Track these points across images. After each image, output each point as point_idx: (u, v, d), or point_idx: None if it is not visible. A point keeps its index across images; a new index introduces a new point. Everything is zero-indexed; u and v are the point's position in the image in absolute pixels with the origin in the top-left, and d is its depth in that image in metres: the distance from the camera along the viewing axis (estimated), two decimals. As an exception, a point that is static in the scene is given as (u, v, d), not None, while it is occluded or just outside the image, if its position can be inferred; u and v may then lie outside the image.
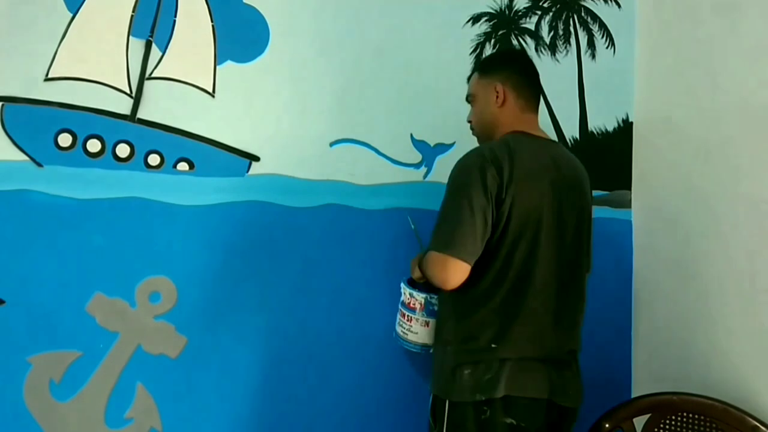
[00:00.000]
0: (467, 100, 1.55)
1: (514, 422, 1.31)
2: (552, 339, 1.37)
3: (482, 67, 1.55)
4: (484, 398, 1.31)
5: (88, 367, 1.62)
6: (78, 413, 1.61)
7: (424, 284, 1.55)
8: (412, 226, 1.70)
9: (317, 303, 1.77)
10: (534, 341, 1.35)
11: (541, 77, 1.94)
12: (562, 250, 1.39)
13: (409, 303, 1.58)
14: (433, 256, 1.35)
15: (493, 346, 1.33)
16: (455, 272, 1.32)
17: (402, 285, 1.61)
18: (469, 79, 1.57)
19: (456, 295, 1.38)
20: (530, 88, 1.49)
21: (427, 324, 1.56)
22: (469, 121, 1.56)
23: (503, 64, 1.51)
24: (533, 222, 1.34)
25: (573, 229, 1.42)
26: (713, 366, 1.66)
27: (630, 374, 2.01)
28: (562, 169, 1.42)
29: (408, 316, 1.59)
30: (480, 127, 1.52)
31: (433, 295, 1.54)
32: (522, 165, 1.34)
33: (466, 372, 1.34)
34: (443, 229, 1.34)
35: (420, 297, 1.56)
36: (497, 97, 1.46)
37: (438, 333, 1.49)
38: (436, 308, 1.53)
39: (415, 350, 1.60)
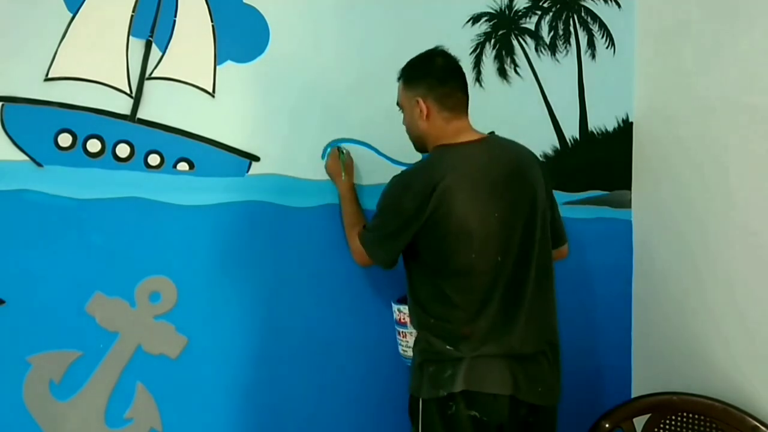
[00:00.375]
0: (398, 105, 1.55)
1: (477, 415, 1.36)
2: (510, 337, 1.39)
3: (405, 76, 1.52)
4: (446, 393, 1.37)
5: (88, 367, 1.62)
6: (78, 413, 1.61)
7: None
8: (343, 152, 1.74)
9: (317, 303, 1.77)
10: (488, 340, 1.39)
11: (541, 77, 1.95)
12: (511, 248, 1.40)
13: (399, 319, 1.63)
14: (358, 246, 1.55)
15: (448, 348, 1.39)
16: (366, 265, 1.57)
17: (392, 304, 1.65)
18: (398, 79, 1.54)
19: (415, 302, 1.48)
20: (453, 95, 1.46)
21: None
22: (405, 125, 1.56)
23: (422, 76, 1.47)
24: (465, 233, 1.38)
25: (522, 222, 1.42)
26: (713, 366, 1.67)
27: (630, 374, 2.01)
28: (497, 165, 1.42)
29: (402, 332, 1.63)
30: (411, 137, 1.55)
31: None
32: (446, 183, 1.37)
33: (430, 369, 1.41)
34: (370, 231, 1.53)
35: (406, 310, 1.58)
36: (421, 111, 1.45)
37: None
38: None
39: None
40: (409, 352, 1.61)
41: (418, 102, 1.46)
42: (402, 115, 1.55)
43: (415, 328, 1.50)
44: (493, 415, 1.37)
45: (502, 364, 1.38)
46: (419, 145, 1.54)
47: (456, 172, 1.39)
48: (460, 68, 1.50)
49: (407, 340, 1.62)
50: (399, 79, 1.53)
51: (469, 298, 1.40)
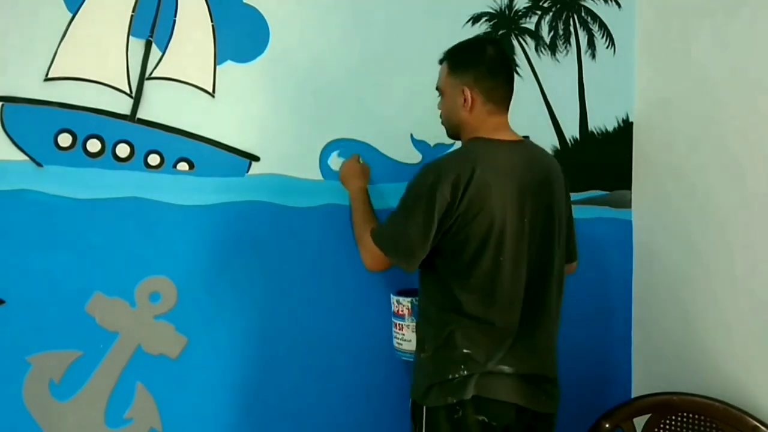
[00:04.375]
0: (437, 89, 1.52)
1: (485, 419, 1.34)
2: (527, 356, 1.38)
3: (452, 61, 1.46)
4: (455, 401, 1.34)
5: (88, 367, 1.62)
6: (78, 413, 1.61)
7: (409, 291, 1.60)
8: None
9: (317, 303, 1.77)
10: (505, 358, 1.36)
11: (541, 77, 1.95)
12: (530, 257, 1.38)
13: (397, 311, 1.62)
14: (371, 246, 1.43)
15: (465, 351, 1.35)
16: (382, 267, 1.45)
17: (391, 296, 1.64)
18: (441, 62, 1.50)
19: (429, 303, 1.44)
20: (500, 89, 1.43)
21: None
22: (439, 109, 1.53)
23: (472, 64, 1.42)
24: (495, 234, 1.34)
25: (541, 231, 1.40)
26: (713, 366, 1.67)
27: (630, 374, 2.01)
28: (528, 172, 1.39)
29: (399, 324, 1.62)
30: (447, 124, 1.52)
31: (417, 299, 1.56)
32: (482, 177, 1.33)
33: (439, 384, 1.37)
34: (390, 230, 1.42)
35: (406, 302, 1.58)
36: (465, 101, 1.41)
37: (417, 336, 1.51)
38: None
39: (411, 359, 1.60)
40: (405, 346, 1.61)
41: (463, 91, 1.41)
42: (439, 99, 1.51)
43: (426, 342, 1.43)
44: (500, 419, 1.35)
45: (515, 380, 1.37)
46: (453, 132, 1.50)
47: (492, 167, 1.35)
48: (509, 60, 1.46)
49: (403, 333, 1.61)
50: (442, 61, 1.48)
51: (491, 307, 1.36)
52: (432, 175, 1.35)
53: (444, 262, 1.39)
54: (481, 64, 1.42)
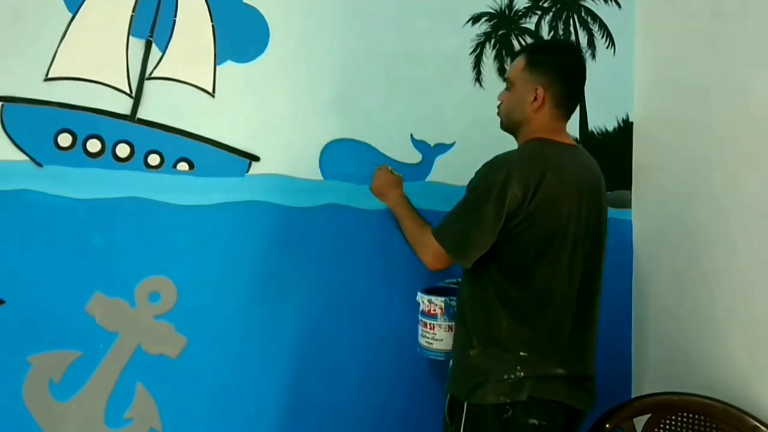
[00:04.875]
0: (504, 79, 1.51)
1: (536, 422, 1.33)
2: (578, 362, 1.40)
3: (532, 57, 1.44)
4: (508, 400, 1.33)
5: (88, 367, 1.62)
6: (78, 413, 1.61)
7: (437, 290, 1.59)
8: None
9: (317, 302, 1.77)
10: (558, 363, 1.36)
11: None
12: (585, 260, 1.39)
13: (429, 310, 1.59)
14: (433, 243, 1.41)
15: (522, 354, 1.34)
16: (443, 265, 1.43)
17: (419, 294, 1.62)
18: (518, 53, 1.49)
19: (478, 301, 1.41)
20: (572, 98, 1.45)
21: (450, 329, 1.56)
22: (499, 101, 1.51)
23: (554, 68, 1.41)
24: (559, 236, 1.34)
25: (593, 235, 1.41)
26: (713, 366, 1.66)
27: (630, 374, 2.01)
28: (585, 178, 1.41)
29: (430, 324, 1.59)
30: (507, 118, 1.49)
31: (452, 297, 1.55)
32: (548, 178, 1.32)
33: (492, 382, 1.35)
34: (452, 225, 1.39)
35: (439, 301, 1.57)
36: (535, 99, 1.40)
37: (457, 334, 1.49)
38: (456, 310, 1.53)
39: (441, 358, 1.60)
40: (436, 345, 1.59)
41: (536, 89, 1.40)
42: (504, 90, 1.50)
43: (476, 339, 1.40)
44: (552, 420, 1.35)
45: (567, 381, 1.37)
46: (510, 126, 1.48)
47: (560, 171, 1.35)
48: (585, 71, 1.46)
49: (434, 333, 1.58)
50: (520, 53, 1.47)
51: (547, 310, 1.35)
52: (503, 173, 1.33)
53: (503, 260, 1.37)
54: (561, 69, 1.41)
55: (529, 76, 1.42)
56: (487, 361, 1.37)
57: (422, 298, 1.62)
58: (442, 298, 1.58)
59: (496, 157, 1.39)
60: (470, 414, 1.36)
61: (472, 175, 1.41)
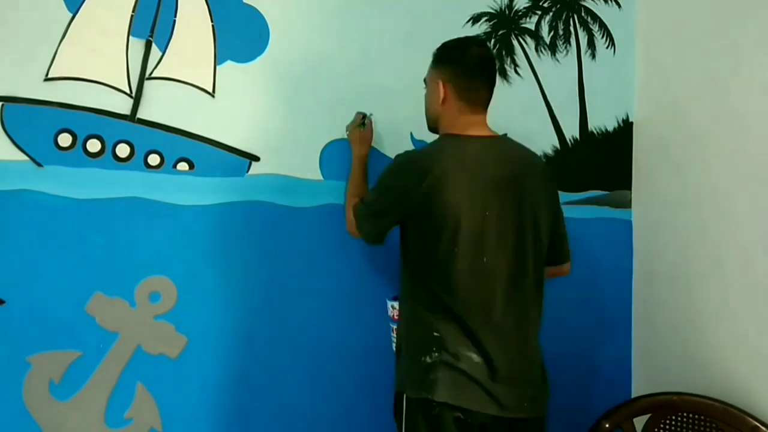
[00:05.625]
0: (424, 81, 1.55)
1: (461, 416, 1.34)
2: (496, 353, 1.35)
3: (436, 55, 1.50)
4: (429, 396, 1.34)
5: (88, 367, 1.62)
6: (78, 413, 1.61)
7: None
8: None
9: (317, 302, 1.77)
10: (470, 338, 1.35)
11: (541, 77, 1.95)
12: (502, 252, 1.37)
13: (393, 316, 1.62)
14: (352, 217, 1.58)
15: (435, 334, 1.36)
16: (354, 234, 1.60)
17: (387, 301, 1.65)
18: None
19: (403, 291, 1.48)
20: (476, 91, 1.44)
21: None
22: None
23: (451, 61, 1.46)
24: (452, 225, 1.34)
25: (514, 229, 1.38)
26: (713, 366, 1.66)
27: (630, 374, 2.01)
28: (495, 167, 1.39)
29: (395, 329, 1.62)
30: (427, 116, 1.55)
31: None
32: (439, 171, 1.35)
33: (415, 371, 1.38)
34: (365, 208, 1.54)
35: (398, 306, 1.57)
36: (438, 94, 1.45)
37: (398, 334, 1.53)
38: None
39: None
40: None
41: (438, 84, 1.45)
42: (425, 91, 1.55)
43: (402, 330, 1.48)
44: (476, 417, 1.34)
45: (486, 385, 1.33)
46: (432, 125, 1.54)
47: (455, 161, 1.38)
48: (492, 62, 1.48)
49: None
50: (433, 56, 1.53)
51: (452, 298, 1.36)
52: (397, 166, 1.48)
53: (411, 249, 1.44)
54: (459, 63, 1.44)
55: (434, 73, 1.48)
56: (410, 353, 1.41)
57: (389, 304, 1.65)
58: None
59: (402, 153, 1.53)
60: (408, 409, 1.39)
61: None
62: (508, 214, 1.38)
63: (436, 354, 1.35)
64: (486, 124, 1.47)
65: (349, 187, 1.69)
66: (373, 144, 1.76)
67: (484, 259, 1.36)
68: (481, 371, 1.34)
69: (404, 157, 1.49)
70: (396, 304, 1.61)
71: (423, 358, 1.36)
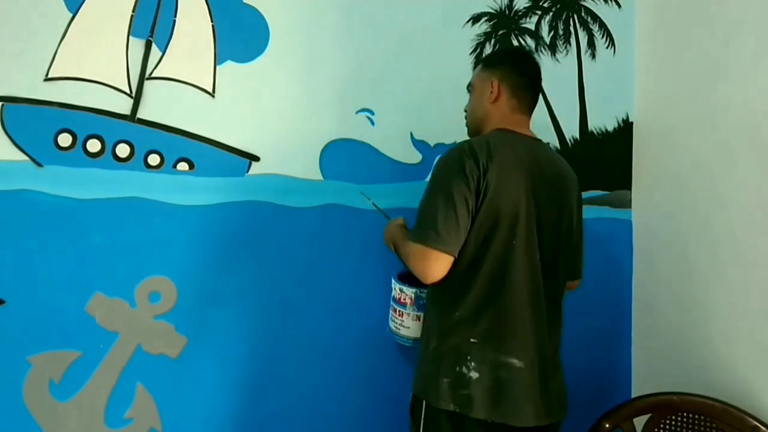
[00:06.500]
0: (467, 89, 1.57)
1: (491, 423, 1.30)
2: (533, 339, 1.34)
3: (486, 59, 1.58)
4: (459, 411, 1.30)
5: (88, 367, 1.62)
6: (78, 413, 1.61)
7: (413, 279, 1.49)
8: (369, 200, 1.73)
9: (317, 302, 1.77)
10: (514, 339, 1.32)
11: (541, 77, 1.95)
12: (539, 248, 1.37)
13: (399, 298, 1.59)
14: (414, 248, 1.34)
15: (472, 341, 1.30)
16: (437, 264, 1.31)
17: (392, 280, 1.62)
18: (476, 65, 1.60)
19: (437, 288, 1.38)
20: (526, 90, 1.49)
21: (418, 318, 1.56)
22: (465, 111, 1.58)
23: (505, 61, 1.51)
24: (509, 215, 1.32)
25: (551, 227, 1.39)
26: (713, 366, 1.66)
27: (630, 374, 2.01)
28: (544, 167, 1.41)
29: (399, 311, 1.60)
30: (471, 118, 1.54)
31: (423, 290, 1.54)
32: (500, 158, 1.33)
33: (444, 381, 1.32)
34: (424, 221, 1.33)
35: (410, 292, 1.57)
36: (491, 92, 1.47)
37: (423, 328, 1.48)
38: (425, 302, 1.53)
39: (407, 344, 1.61)
40: (403, 331, 1.59)
41: (492, 83, 1.47)
42: (468, 99, 1.56)
43: (432, 332, 1.39)
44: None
45: (525, 382, 1.31)
46: (475, 126, 1.53)
47: (512, 153, 1.36)
48: (539, 71, 1.51)
49: (402, 319, 1.59)
50: (477, 64, 1.56)
51: (499, 297, 1.32)
52: (457, 152, 1.35)
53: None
54: (511, 63, 1.50)
55: (485, 74, 1.51)
56: (444, 358, 1.33)
57: (395, 285, 1.61)
58: (414, 290, 1.56)
59: (446, 152, 1.40)
60: (427, 415, 1.34)
61: None
62: (552, 213, 1.40)
63: (473, 364, 1.30)
64: (530, 127, 1.49)
65: (401, 251, 1.45)
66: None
67: (537, 256, 1.36)
68: (519, 377, 1.31)
69: (462, 147, 1.36)
70: (406, 289, 1.56)
71: (455, 369, 1.31)
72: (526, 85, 1.49)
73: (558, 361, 1.42)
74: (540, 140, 1.49)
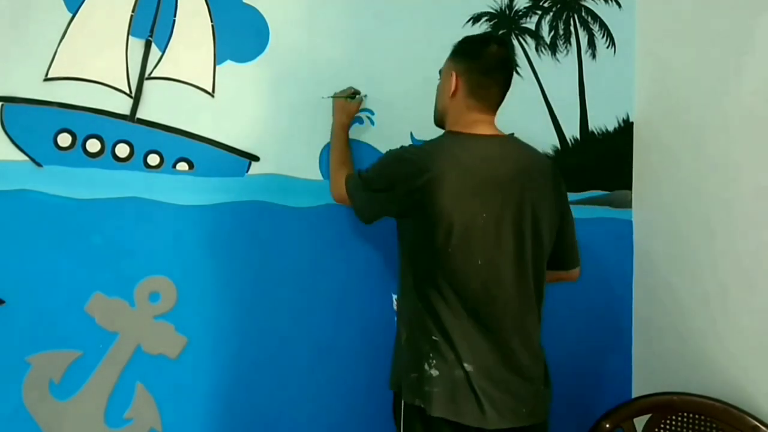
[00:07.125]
0: (438, 73, 1.53)
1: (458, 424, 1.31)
2: (489, 356, 1.32)
3: (455, 47, 1.47)
4: (425, 407, 1.31)
5: (88, 367, 1.62)
6: (78, 413, 1.61)
7: None
8: (326, 97, 1.74)
9: (317, 303, 1.77)
10: (465, 358, 1.31)
11: (541, 77, 1.95)
12: (498, 256, 1.33)
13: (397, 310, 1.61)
14: (343, 188, 1.54)
15: (434, 338, 1.32)
16: (338, 199, 1.62)
17: (392, 295, 1.63)
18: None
19: (407, 276, 1.41)
20: (489, 89, 1.41)
21: None
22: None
23: (470, 55, 1.42)
24: (452, 222, 1.31)
25: (514, 230, 1.34)
26: (713, 366, 1.66)
27: (630, 374, 2.01)
28: (497, 167, 1.35)
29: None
30: (435, 109, 1.53)
31: None
32: (443, 171, 1.31)
33: (412, 376, 1.35)
34: (361, 189, 1.48)
35: None
36: (450, 87, 1.42)
37: (398, 316, 1.50)
38: None
39: None
40: None
41: (451, 76, 1.42)
42: (438, 82, 1.53)
43: (403, 323, 1.43)
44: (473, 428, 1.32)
45: (482, 396, 1.30)
46: (438, 118, 1.51)
47: (454, 162, 1.33)
48: (510, 64, 1.45)
49: None
50: (452, 47, 1.50)
51: (450, 301, 1.32)
52: (397, 157, 1.42)
53: (407, 248, 1.41)
54: (476, 59, 1.41)
55: (450, 64, 1.45)
56: (408, 359, 1.37)
57: (393, 298, 1.62)
58: None
59: (406, 146, 1.50)
60: (405, 410, 1.36)
61: None
62: (507, 216, 1.34)
63: (434, 361, 1.32)
64: (493, 124, 1.44)
65: (333, 153, 1.67)
66: (358, 115, 1.76)
67: (479, 262, 1.32)
68: (477, 380, 1.30)
69: (404, 152, 1.44)
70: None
71: (420, 365, 1.33)
72: (488, 84, 1.40)
73: (528, 365, 1.36)
74: (500, 136, 1.43)
